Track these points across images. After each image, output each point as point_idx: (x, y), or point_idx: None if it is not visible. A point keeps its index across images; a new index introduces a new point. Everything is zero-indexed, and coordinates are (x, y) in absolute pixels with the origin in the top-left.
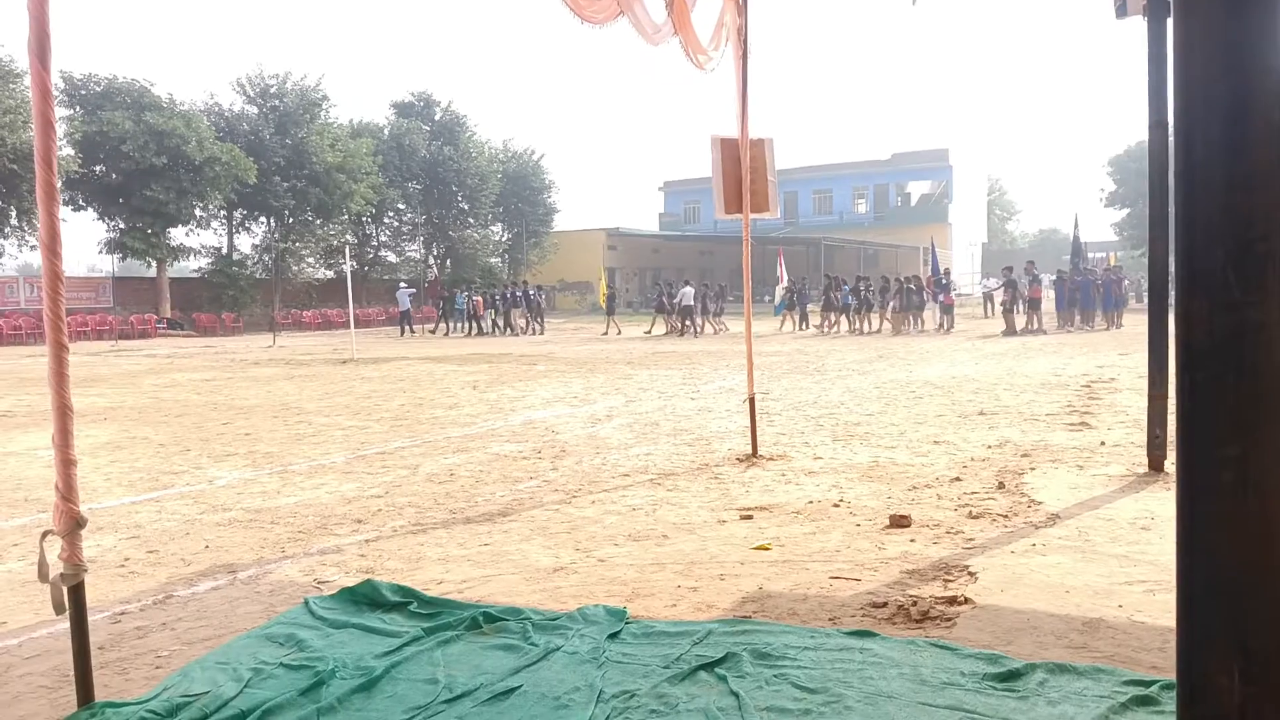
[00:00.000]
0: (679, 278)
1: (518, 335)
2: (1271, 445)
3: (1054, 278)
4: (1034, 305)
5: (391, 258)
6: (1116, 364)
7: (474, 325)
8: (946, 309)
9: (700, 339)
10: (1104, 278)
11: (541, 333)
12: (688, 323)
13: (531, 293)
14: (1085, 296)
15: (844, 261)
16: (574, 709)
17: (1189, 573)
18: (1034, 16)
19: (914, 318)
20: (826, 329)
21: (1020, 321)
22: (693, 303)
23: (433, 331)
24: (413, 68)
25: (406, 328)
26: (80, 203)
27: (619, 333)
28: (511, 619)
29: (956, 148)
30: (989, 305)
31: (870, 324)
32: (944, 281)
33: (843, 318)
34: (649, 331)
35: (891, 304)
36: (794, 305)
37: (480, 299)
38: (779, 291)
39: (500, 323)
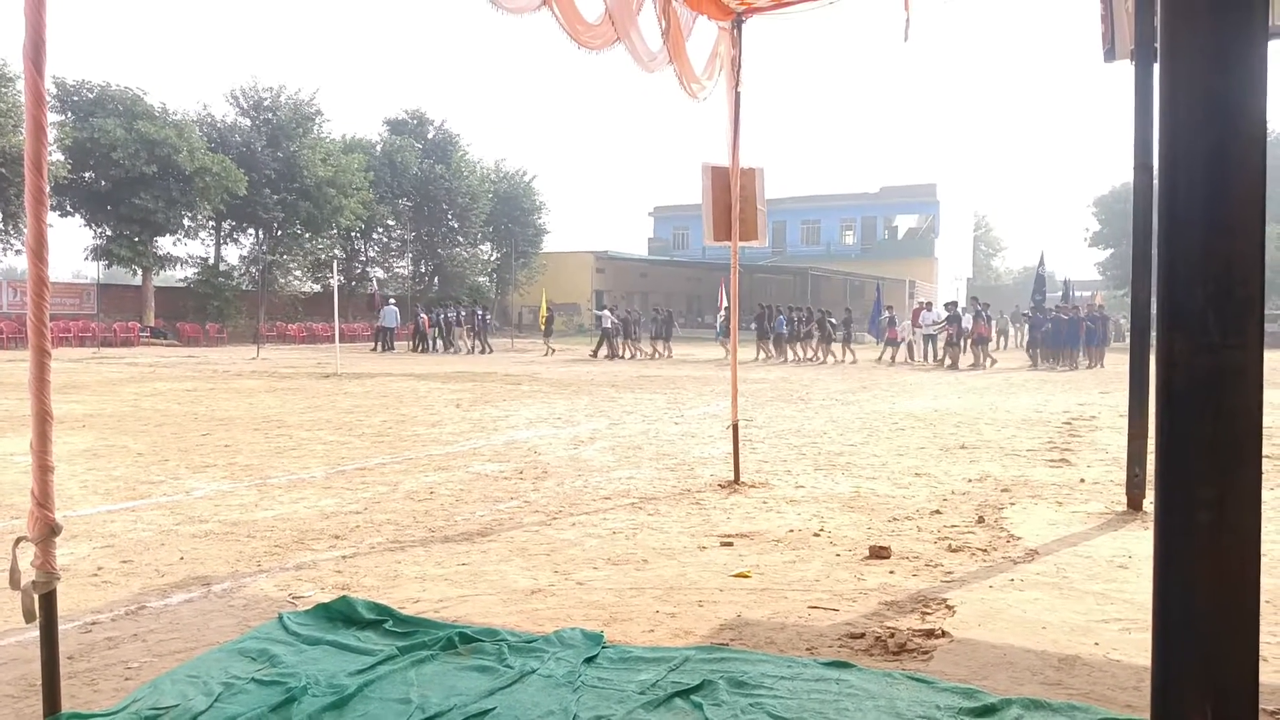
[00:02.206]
0: (665, 302)
1: (459, 353)
2: (1247, 488)
3: (1026, 313)
4: (980, 342)
5: (379, 273)
6: (1097, 402)
7: (421, 342)
8: (891, 343)
9: (637, 362)
10: (1088, 315)
11: (485, 352)
12: (607, 345)
13: (478, 313)
14: (1056, 336)
15: (830, 292)
16: None
17: (1165, 612)
18: (1024, 56)
19: (824, 349)
20: (763, 357)
21: (967, 359)
22: (609, 326)
23: (374, 349)
24: (407, 86)
25: (402, 344)
26: (68, 208)
27: (554, 352)
28: (487, 640)
29: (944, 183)
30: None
31: (800, 353)
32: (889, 317)
33: (774, 346)
34: (594, 354)
35: (816, 335)
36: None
37: (426, 316)
38: (719, 318)
39: (443, 341)
